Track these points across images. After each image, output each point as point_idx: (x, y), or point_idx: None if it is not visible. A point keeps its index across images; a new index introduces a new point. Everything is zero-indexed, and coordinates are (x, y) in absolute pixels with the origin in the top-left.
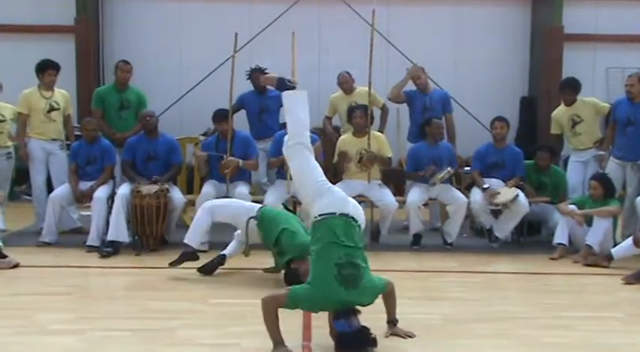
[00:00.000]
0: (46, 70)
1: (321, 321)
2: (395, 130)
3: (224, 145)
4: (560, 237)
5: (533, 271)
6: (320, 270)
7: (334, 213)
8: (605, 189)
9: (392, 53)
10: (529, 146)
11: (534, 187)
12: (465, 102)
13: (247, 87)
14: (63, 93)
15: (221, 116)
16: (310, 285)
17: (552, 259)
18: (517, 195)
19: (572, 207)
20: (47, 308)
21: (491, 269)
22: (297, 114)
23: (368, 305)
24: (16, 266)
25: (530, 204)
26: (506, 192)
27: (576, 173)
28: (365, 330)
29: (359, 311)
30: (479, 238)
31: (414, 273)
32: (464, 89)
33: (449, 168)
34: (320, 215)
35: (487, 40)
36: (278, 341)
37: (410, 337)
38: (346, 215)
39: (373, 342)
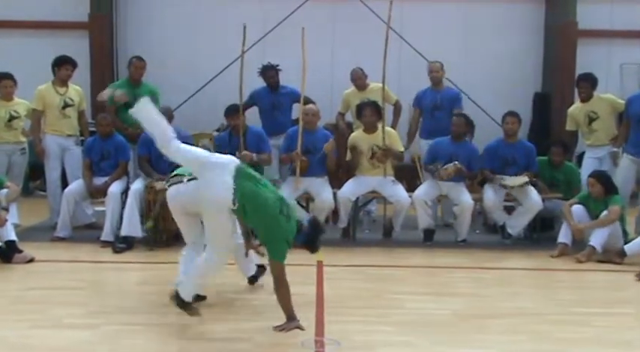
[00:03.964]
0: (63, 64)
1: (333, 317)
2: (407, 127)
3: (237, 141)
4: (563, 236)
5: (546, 267)
6: (271, 218)
7: (236, 165)
8: (604, 186)
9: (405, 49)
10: (542, 142)
11: (547, 183)
12: (478, 98)
13: (260, 83)
14: (76, 89)
15: (233, 111)
16: (275, 237)
17: (552, 257)
18: (527, 182)
19: (578, 207)
20: (61, 303)
21: (503, 266)
22: (155, 120)
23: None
24: (31, 260)
25: (542, 200)
26: (516, 179)
27: (591, 169)
28: (313, 222)
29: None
30: (491, 234)
31: (426, 269)
32: (477, 85)
33: (455, 163)
34: (232, 178)
35: (500, 35)
36: (292, 315)
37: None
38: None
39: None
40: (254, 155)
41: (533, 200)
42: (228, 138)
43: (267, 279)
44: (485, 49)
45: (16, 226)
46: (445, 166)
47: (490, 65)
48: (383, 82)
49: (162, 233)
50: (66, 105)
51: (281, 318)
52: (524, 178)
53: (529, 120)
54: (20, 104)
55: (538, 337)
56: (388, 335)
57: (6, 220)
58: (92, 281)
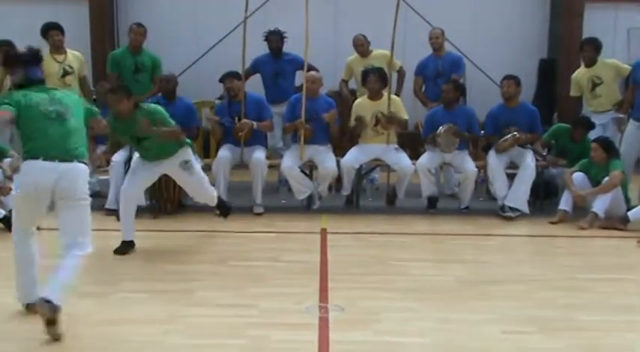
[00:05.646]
0: (49, 31)
1: (336, 284)
2: (412, 94)
3: (237, 108)
4: (564, 203)
5: (549, 234)
6: None
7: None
8: (606, 151)
9: (410, 16)
10: (548, 108)
11: (559, 151)
12: (484, 65)
13: (262, 51)
14: (76, 55)
15: (228, 74)
16: None
17: (551, 223)
18: (515, 134)
19: (579, 174)
20: None
21: (506, 233)
22: None
23: None
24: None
25: (547, 167)
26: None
27: (594, 136)
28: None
29: None
30: (495, 202)
31: (429, 236)
32: (482, 51)
33: (449, 125)
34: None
35: (506, 2)
36: None
37: None
38: None
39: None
40: (254, 123)
41: (527, 165)
42: (228, 106)
43: (268, 246)
44: (490, 16)
45: None
46: (438, 132)
47: (496, 32)
48: (392, 48)
49: (166, 202)
50: (65, 73)
51: (284, 284)
52: (512, 132)
53: (535, 86)
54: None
55: (541, 303)
56: (391, 302)
57: (11, 189)
58: (97, 249)
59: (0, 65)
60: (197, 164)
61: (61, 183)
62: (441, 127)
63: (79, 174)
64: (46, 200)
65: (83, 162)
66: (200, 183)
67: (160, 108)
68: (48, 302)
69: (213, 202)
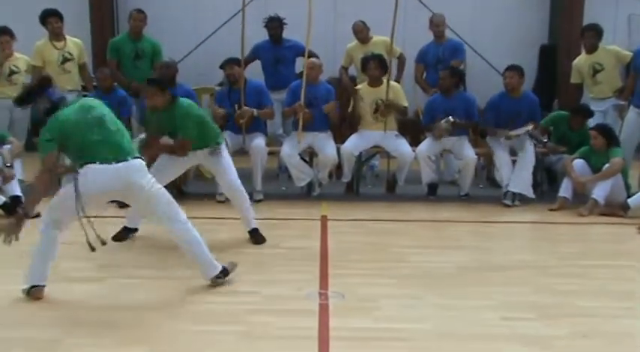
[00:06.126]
0: (48, 18)
1: (336, 270)
2: (412, 81)
3: (237, 95)
4: (564, 190)
5: (548, 221)
6: None
7: None
8: (606, 139)
9: (410, 1)
10: (548, 95)
11: (558, 138)
12: (484, 51)
13: (262, 37)
14: (75, 42)
15: (228, 61)
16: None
17: (551, 210)
18: (529, 130)
19: (579, 161)
20: (68, 257)
21: (506, 219)
22: None
23: None
24: (37, 215)
25: (547, 154)
26: (521, 129)
27: (594, 123)
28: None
29: None
30: (495, 189)
31: (429, 223)
32: (483, 38)
33: (449, 118)
34: None
35: None
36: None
37: None
38: None
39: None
40: (254, 110)
41: (527, 151)
42: (228, 93)
43: (268, 233)
44: (491, 1)
45: (20, 182)
46: (440, 123)
47: (496, 18)
48: (392, 35)
49: (166, 189)
50: (65, 60)
51: (284, 271)
52: (527, 126)
53: (535, 72)
54: (20, 59)
55: (541, 289)
56: (391, 288)
57: (13, 176)
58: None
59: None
60: (225, 150)
61: (126, 182)
62: (443, 121)
63: (136, 169)
64: (105, 201)
65: (136, 157)
66: (231, 169)
67: (195, 110)
68: (218, 277)
69: (244, 198)
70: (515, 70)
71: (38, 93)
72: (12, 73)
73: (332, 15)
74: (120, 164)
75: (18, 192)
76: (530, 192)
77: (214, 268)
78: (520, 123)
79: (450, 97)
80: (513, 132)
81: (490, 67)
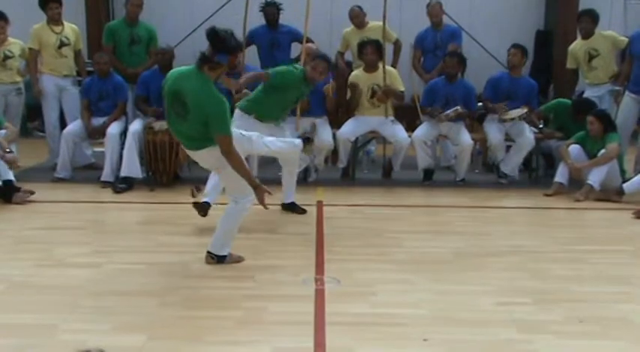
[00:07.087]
0: (47, 4)
1: (332, 256)
2: (408, 66)
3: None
4: (560, 176)
5: (544, 206)
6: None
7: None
8: (603, 125)
9: None
10: (544, 80)
11: (558, 126)
12: (480, 36)
13: (257, 22)
14: (73, 28)
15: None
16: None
17: (546, 195)
18: (525, 114)
19: (575, 147)
20: (64, 242)
21: (502, 205)
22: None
23: None
24: (32, 193)
25: (543, 139)
26: (515, 111)
27: None
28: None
29: None
30: (490, 174)
31: (425, 208)
32: (479, 23)
33: (457, 108)
34: None
35: None
36: (256, 184)
37: None
38: None
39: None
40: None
41: (526, 137)
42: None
43: (264, 219)
44: None
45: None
46: (446, 112)
47: (492, 3)
48: (384, 21)
49: (162, 174)
50: (62, 45)
51: (280, 256)
52: (523, 110)
53: (531, 58)
54: (14, 44)
55: (537, 274)
56: (388, 273)
57: (17, 160)
58: (94, 221)
59: None
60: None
61: None
62: (452, 110)
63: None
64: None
65: None
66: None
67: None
68: (213, 257)
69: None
70: (519, 48)
71: None
72: (6, 57)
73: (329, 0)
74: None
75: (10, 176)
76: (515, 173)
77: (222, 249)
78: (516, 104)
79: (452, 83)
80: (508, 115)
81: (486, 52)
